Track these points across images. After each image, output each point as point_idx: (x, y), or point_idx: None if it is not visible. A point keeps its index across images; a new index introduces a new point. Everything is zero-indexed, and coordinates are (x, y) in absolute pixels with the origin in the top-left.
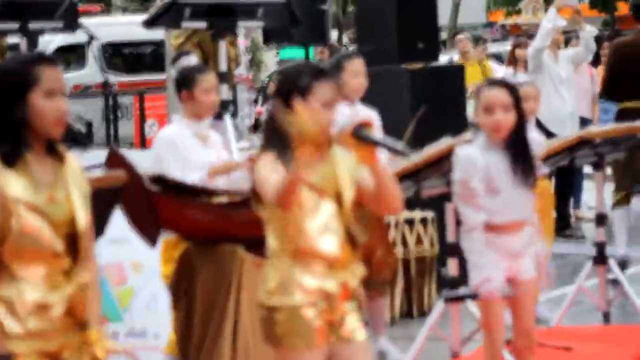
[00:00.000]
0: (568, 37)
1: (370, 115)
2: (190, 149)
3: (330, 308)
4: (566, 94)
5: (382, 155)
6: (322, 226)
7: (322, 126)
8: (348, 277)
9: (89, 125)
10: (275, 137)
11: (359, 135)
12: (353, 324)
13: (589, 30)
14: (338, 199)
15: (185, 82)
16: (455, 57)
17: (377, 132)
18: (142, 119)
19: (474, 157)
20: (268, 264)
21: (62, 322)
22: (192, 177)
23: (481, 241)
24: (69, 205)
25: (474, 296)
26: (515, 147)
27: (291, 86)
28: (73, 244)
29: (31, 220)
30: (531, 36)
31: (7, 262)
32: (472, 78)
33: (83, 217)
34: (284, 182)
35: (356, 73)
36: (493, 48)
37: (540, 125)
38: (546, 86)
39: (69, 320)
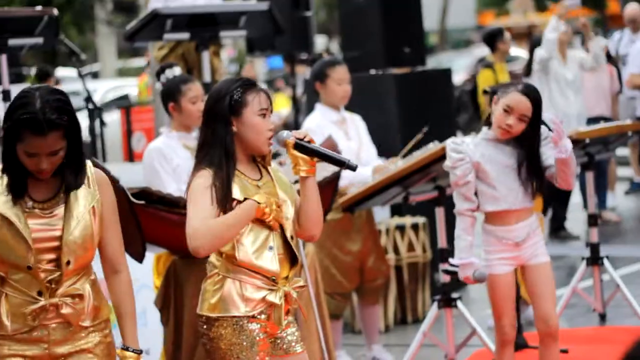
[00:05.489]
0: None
1: (355, 120)
2: (180, 160)
3: (274, 320)
4: (572, 95)
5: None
6: (260, 243)
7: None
8: (289, 289)
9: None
10: (215, 150)
11: (302, 147)
12: (292, 336)
13: (598, 43)
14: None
15: (171, 93)
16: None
17: (318, 144)
18: (128, 132)
19: (463, 148)
20: (209, 278)
21: (56, 329)
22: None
23: (461, 227)
24: (62, 221)
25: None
26: (526, 156)
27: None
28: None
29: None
30: (519, 36)
31: None
32: (485, 82)
33: (71, 234)
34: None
35: (340, 80)
36: (483, 51)
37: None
38: (552, 87)
39: (65, 328)
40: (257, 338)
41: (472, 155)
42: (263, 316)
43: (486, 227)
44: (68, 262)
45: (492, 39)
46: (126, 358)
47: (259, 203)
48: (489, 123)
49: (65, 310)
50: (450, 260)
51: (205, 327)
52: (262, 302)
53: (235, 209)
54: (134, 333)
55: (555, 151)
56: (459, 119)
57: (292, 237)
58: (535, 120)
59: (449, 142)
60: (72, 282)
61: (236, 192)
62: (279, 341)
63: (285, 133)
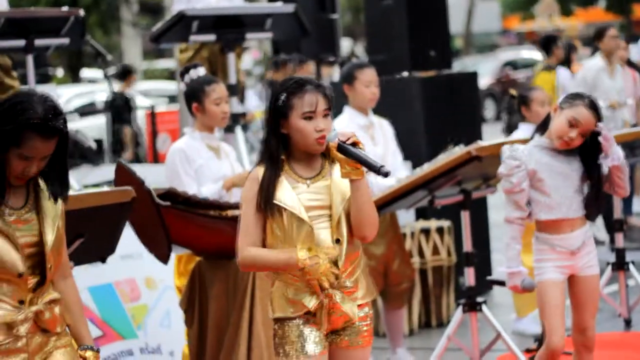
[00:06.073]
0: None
1: (383, 125)
2: (203, 161)
3: (318, 320)
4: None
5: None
6: (305, 246)
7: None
8: (332, 292)
9: (99, 141)
10: (266, 151)
11: (343, 149)
12: (356, 332)
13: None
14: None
15: (195, 94)
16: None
17: (363, 148)
18: (153, 133)
19: (519, 155)
20: (272, 279)
21: (33, 338)
22: (208, 189)
23: (510, 236)
24: (37, 227)
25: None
26: (585, 164)
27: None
28: (42, 263)
29: None
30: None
31: None
32: (544, 83)
33: (51, 238)
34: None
35: (368, 83)
36: (508, 55)
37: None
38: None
39: (41, 336)
40: (307, 335)
41: (527, 162)
42: (319, 313)
43: (540, 236)
44: (50, 267)
45: (549, 43)
46: (89, 357)
47: (299, 258)
48: (542, 130)
49: (47, 316)
50: (499, 268)
51: (272, 325)
52: (303, 304)
53: (278, 250)
54: (89, 332)
55: (607, 160)
56: (511, 120)
57: (338, 240)
58: (593, 132)
59: (506, 149)
60: (49, 289)
61: (281, 193)
62: (347, 330)
63: (332, 133)
